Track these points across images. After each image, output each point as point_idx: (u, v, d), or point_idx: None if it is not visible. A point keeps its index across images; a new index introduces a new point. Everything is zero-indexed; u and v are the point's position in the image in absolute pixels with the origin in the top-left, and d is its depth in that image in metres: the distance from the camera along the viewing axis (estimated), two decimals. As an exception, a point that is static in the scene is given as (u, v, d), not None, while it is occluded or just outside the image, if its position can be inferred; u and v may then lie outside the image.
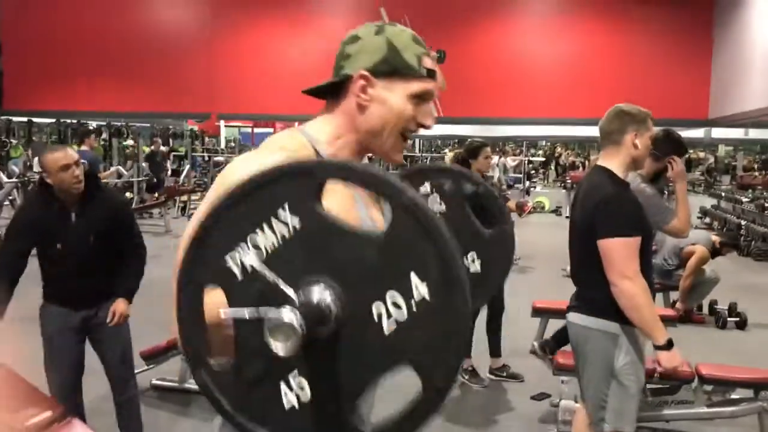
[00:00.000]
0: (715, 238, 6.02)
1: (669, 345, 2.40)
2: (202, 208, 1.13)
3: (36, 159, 6.81)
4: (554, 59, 12.18)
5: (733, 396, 3.62)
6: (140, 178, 12.77)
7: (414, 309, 0.87)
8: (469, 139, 4.75)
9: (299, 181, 0.92)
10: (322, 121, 1.31)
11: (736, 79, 10.77)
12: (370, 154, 1.38)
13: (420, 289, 0.87)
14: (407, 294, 0.88)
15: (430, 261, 0.87)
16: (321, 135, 1.27)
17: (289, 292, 0.90)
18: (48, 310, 3.14)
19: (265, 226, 0.92)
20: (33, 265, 3.10)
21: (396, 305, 0.88)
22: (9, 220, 3.33)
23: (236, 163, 1.23)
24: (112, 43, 12.60)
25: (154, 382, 4.15)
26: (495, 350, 4.49)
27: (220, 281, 0.95)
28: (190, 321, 0.98)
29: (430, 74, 1.27)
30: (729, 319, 5.96)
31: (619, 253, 2.35)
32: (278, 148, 1.21)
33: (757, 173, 17.63)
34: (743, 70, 10.43)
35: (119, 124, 16.71)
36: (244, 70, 13.55)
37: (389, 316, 0.89)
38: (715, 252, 5.88)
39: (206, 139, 21.87)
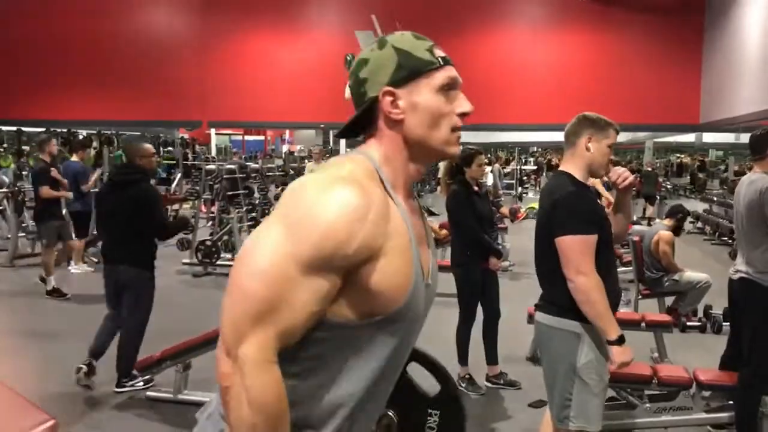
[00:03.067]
0: (666, 221, 6.18)
1: (620, 340, 2.43)
2: (271, 230, 1.09)
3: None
4: (546, 66, 12.23)
5: (732, 401, 3.62)
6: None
7: None
8: (462, 147, 4.75)
9: None
10: (372, 145, 1.25)
11: (726, 84, 10.83)
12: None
13: None
14: None
15: None
16: (376, 156, 1.22)
17: None
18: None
19: None
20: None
21: None
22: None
23: (306, 189, 1.12)
24: (103, 53, 12.57)
25: (149, 393, 4.11)
26: (492, 358, 4.47)
27: None
28: None
29: (446, 61, 1.24)
30: (724, 324, 5.94)
31: (573, 249, 2.40)
32: (349, 178, 1.13)
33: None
34: (734, 75, 10.48)
35: (109, 132, 16.65)
36: (234, 78, 13.52)
37: None
38: (675, 229, 6.06)
39: (197, 147, 21.83)
